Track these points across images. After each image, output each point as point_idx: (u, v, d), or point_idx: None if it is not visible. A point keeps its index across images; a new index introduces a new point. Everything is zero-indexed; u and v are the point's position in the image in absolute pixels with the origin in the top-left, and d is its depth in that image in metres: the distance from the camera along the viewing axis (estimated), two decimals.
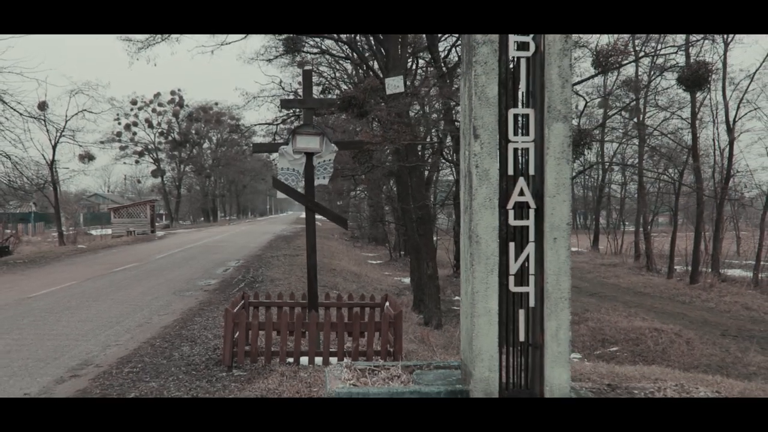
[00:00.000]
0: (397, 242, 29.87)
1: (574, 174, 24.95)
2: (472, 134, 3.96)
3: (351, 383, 4.22)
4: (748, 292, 17.62)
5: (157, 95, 55.15)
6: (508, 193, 3.93)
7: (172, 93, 55.43)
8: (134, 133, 54.01)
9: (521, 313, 3.95)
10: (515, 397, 3.94)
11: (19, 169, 21.02)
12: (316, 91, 23.51)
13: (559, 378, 3.94)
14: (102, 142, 41.57)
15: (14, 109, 20.64)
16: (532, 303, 3.95)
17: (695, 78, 11.20)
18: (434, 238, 18.58)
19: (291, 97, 23.83)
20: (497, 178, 3.91)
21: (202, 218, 67.14)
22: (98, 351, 7.26)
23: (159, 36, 13.59)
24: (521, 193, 3.92)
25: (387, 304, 7.35)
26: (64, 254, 21.70)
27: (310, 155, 7.08)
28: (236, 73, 70.12)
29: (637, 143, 24.51)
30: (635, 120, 22.49)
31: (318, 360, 6.44)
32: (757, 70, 22.35)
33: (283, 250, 23.64)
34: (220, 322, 8.94)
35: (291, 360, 6.46)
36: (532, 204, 3.93)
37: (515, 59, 3.98)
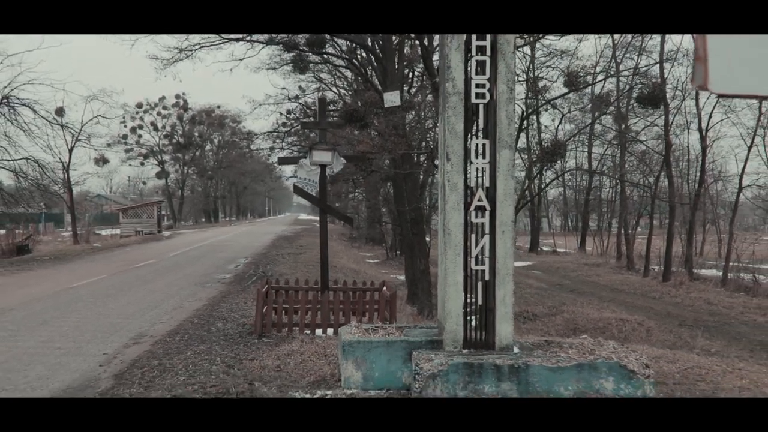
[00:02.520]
0: (393, 242, 31.32)
1: (562, 173, 26.54)
2: (445, 158, 5.59)
3: (359, 335, 5.83)
4: (715, 289, 19.10)
5: (162, 98, 56.84)
6: (471, 199, 5.56)
7: (177, 97, 57.09)
8: (140, 136, 55.74)
9: (479, 285, 5.57)
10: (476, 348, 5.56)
11: (47, 173, 22.66)
12: (316, 92, 25.49)
13: (505, 331, 5.56)
14: (108, 145, 43.09)
15: (44, 118, 22.31)
16: (487, 277, 5.57)
17: (651, 98, 12.89)
18: (428, 238, 20.20)
19: (293, 102, 25.73)
20: (463, 188, 5.54)
21: (204, 219, 68.73)
22: (148, 326, 8.86)
23: (183, 54, 15.22)
24: (480, 200, 5.55)
25: (384, 288, 8.98)
26: (83, 252, 23.26)
27: (323, 166, 8.71)
28: (242, 80, 71.90)
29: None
30: (614, 129, 24.18)
31: (329, 331, 8.06)
32: None
33: (287, 249, 25.20)
34: (243, 306, 10.56)
35: (308, 331, 8.07)
36: (488, 207, 5.55)
37: (476, 105, 5.61)
